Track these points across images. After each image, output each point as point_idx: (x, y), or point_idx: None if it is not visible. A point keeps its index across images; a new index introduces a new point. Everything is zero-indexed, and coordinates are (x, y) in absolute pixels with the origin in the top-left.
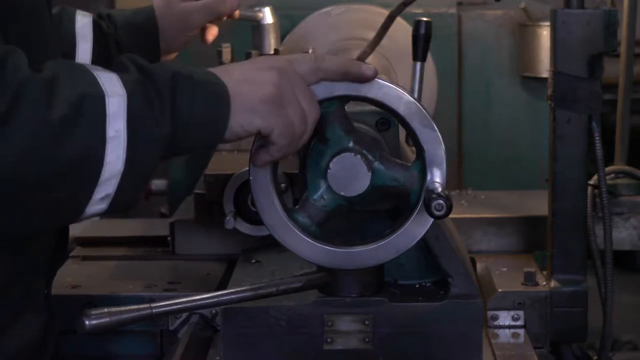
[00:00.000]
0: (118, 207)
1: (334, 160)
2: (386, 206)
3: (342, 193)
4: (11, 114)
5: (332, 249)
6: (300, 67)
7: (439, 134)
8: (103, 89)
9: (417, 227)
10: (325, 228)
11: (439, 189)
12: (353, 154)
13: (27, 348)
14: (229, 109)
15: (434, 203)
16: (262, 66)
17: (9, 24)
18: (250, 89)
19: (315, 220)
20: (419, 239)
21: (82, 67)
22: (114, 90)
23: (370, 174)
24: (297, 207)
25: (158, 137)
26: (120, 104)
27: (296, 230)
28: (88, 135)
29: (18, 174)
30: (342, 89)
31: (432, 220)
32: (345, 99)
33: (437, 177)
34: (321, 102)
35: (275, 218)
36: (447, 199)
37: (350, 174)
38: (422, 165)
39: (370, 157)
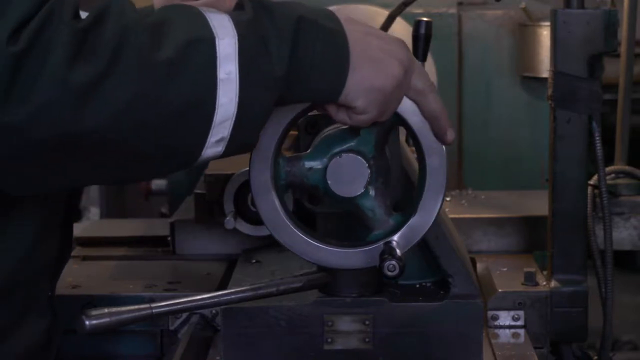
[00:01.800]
0: (234, 150)
1: (347, 154)
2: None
3: (330, 182)
4: (116, 60)
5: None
6: (415, 81)
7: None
8: (214, 31)
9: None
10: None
11: (397, 250)
12: (367, 164)
13: (31, 349)
14: (346, 74)
15: (387, 263)
16: (392, 52)
17: None
18: (371, 71)
19: (289, 178)
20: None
21: (193, 9)
22: (225, 32)
23: (362, 190)
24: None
25: (272, 77)
26: (230, 46)
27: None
28: (197, 78)
29: (129, 119)
30: None
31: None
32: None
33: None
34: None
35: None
36: (400, 260)
37: (348, 176)
38: (402, 221)
39: (374, 177)
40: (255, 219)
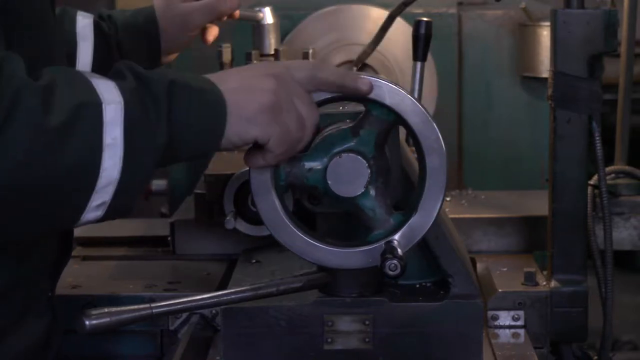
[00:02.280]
0: (114, 215)
1: (347, 154)
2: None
3: (330, 182)
4: (7, 122)
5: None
6: (298, 74)
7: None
8: (100, 96)
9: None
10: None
11: (398, 250)
12: (367, 164)
13: (30, 349)
14: (225, 117)
15: (389, 263)
16: (259, 73)
17: (16, 26)
18: (247, 98)
19: (289, 179)
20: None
21: (79, 74)
22: (111, 98)
23: (362, 190)
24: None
25: (154, 145)
26: (117, 112)
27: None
28: (85, 142)
29: (16, 181)
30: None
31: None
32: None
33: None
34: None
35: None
36: (402, 259)
37: (348, 176)
38: (402, 220)
39: (374, 177)
40: (255, 219)
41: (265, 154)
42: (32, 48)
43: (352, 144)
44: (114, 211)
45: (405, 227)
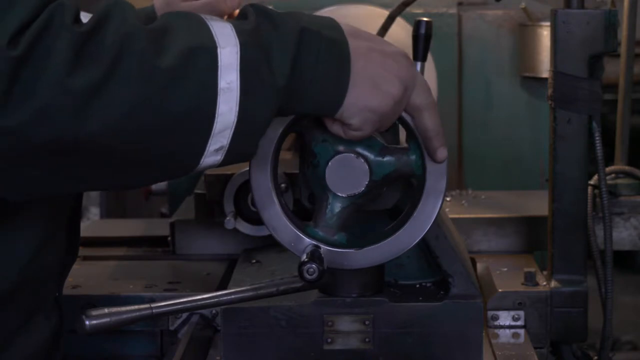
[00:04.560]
0: (233, 159)
1: (328, 167)
2: (392, 200)
3: (345, 194)
4: (117, 65)
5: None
6: (415, 94)
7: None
8: (215, 39)
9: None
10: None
11: (322, 256)
12: (342, 155)
13: (39, 350)
14: (346, 90)
15: (307, 267)
16: (394, 69)
17: None
18: (370, 90)
19: (334, 229)
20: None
21: (196, 17)
22: (227, 41)
23: (366, 166)
24: (311, 223)
25: (273, 88)
26: (232, 55)
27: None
28: (198, 86)
29: (129, 125)
30: None
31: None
32: None
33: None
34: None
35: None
36: (321, 264)
37: (347, 173)
38: (416, 143)
39: (359, 150)
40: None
41: (345, 130)
42: None
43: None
44: (234, 155)
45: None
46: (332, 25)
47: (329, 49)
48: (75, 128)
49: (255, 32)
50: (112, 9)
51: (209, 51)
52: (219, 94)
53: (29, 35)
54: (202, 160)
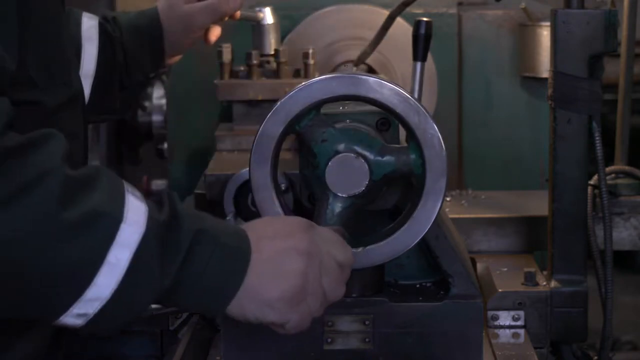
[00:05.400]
0: (95, 331)
1: (328, 167)
2: (392, 200)
3: (345, 194)
4: (22, 196)
5: None
6: (338, 257)
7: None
8: (124, 214)
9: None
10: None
11: None
12: (342, 155)
13: (40, 351)
14: (236, 291)
15: None
16: (294, 247)
17: (30, 25)
18: (272, 281)
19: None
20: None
21: (119, 184)
22: (135, 220)
23: (366, 166)
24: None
25: (158, 284)
26: (133, 236)
27: None
28: (87, 250)
29: (5, 252)
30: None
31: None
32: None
33: None
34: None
35: None
36: None
37: (347, 173)
38: (415, 142)
39: (358, 150)
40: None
41: (280, 329)
42: (46, 47)
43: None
44: (95, 327)
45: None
46: (235, 230)
47: (222, 256)
48: None
49: (162, 226)
50: (46, 139)
51: (113, 221)
52: (103, 264)
53: None
54: (62, 317)
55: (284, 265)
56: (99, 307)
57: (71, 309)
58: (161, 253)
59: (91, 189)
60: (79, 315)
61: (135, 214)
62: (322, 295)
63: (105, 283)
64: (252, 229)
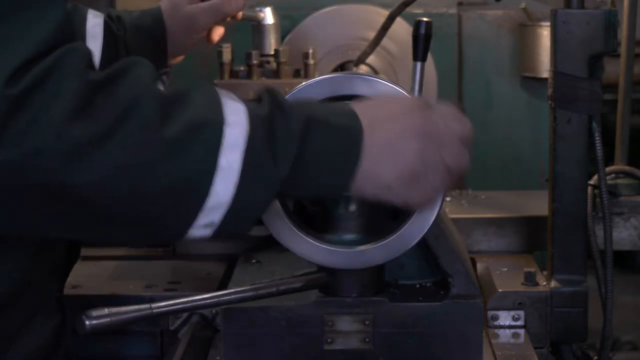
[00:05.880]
0: (223, 235)
1: None
2: None
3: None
4: (120, 125)
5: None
6: (454, 126)
7: None
8: (225, 117)
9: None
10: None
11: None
12: None
13: (41, 350)
14: (354, 173)
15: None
16: (409, 129)
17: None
18: (387, 163)
19: (355, 229)
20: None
21: (212, 91)
22: (237, 121)
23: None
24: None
25: (274, 177)
26: (239, 137)
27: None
28: (198, 161)
29: (118, 184)
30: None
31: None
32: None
33: None
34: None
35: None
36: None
37: None
38: (359, 242)
39: None
40: None
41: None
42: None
43: None
44: (223, 232)
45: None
46: (344, 111)
47: (335, 137)
48: (64, 177)
49: (266, 119)
50: (131, 66)
51: (216, 127)
52: (217, 171)
53: (33, 74)
54: (189, 232)
55: (399, 147)
56: (223, 214)
57: (196, 221)
58: (272, 147)
59: (186, 102)
60: (206, 226)
61: (235, 114)
62: (445, 171)
63: (223, 188)
64: (365, 110)
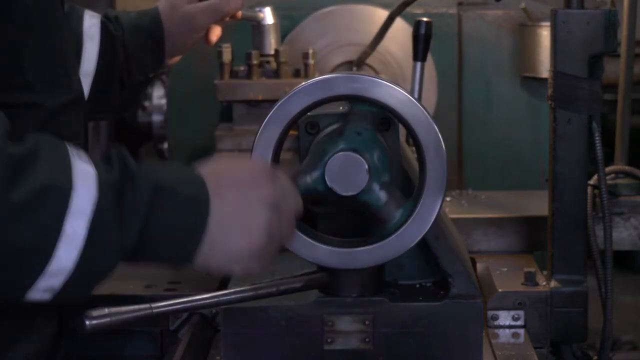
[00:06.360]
0: (63, 302)
1: (339, 154)
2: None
3: (332, 185)
4: None
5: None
6: (291, 199)
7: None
8: (73, 182)
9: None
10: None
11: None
12: (362, 159)
13: (40, 352)
14: (199, 246)
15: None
16: (256, 197)
17: (31, 25)
18: (236, 233)
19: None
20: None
21: (63, 151)
22: (85, 187)
23: (364, 185)
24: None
25: (120, 245)
26: (86, 203)
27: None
28: (42, 226)
29: None
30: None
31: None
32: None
33: None
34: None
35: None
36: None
37: (347, 175)
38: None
39: (375, 171)
40: None
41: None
42: (46, 52)
43: (341, 145)
44: (63, 298)
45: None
46: (192, 178)
47: (183, 206)
48: None
49: (114, 186)
50: None
51: (62, 193)
52: (61, 237)
53: None
54: (26, 295)
55: (248, 216)
56: (64, 279)
57: (36, 284)
58: (118, 214)
59: (34, 164)
60: (45, 290)
61: (84, 180)
62: (279, 243)
63: (66, 255)
64: (213, 176)
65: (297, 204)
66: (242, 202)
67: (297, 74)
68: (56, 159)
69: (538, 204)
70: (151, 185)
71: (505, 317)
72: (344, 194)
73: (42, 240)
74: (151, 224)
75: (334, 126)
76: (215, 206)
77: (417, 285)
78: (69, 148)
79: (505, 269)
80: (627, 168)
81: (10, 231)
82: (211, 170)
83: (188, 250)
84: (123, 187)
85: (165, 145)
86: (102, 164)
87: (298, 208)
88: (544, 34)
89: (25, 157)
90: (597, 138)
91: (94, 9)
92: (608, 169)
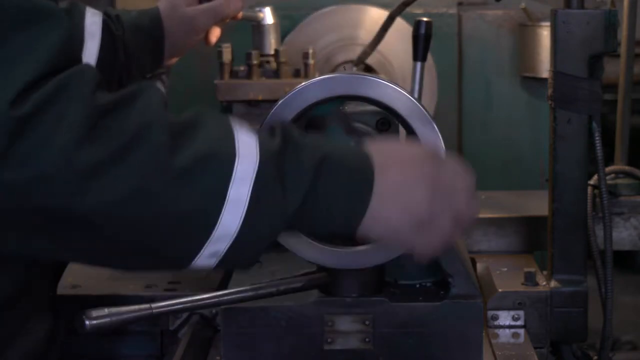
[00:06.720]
0: (228, 266)
1: None
2: None
3: None
4: (130, 152)
5: (333, 249)
6: (461, 178)
7: (439, 134)
8: (236, 150)
9: None
10: None
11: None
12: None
13: (35, 350)
14: (364, 214)
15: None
16: (419, 175)
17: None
18: (397, 207)
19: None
20: None
21: (225, 122)
22: (247, 154)
23: None
24: None
25: (282, 212)
26: (249, 170)
27: (297, 231)
28: (207, 192)
29: (125, 211)
30: (342, 88)
31: None
32: (346, 98)
33: None
34: (319, 103)
35: None
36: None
37: None
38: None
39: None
40: None
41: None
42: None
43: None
44: (228, 263)
45: None
46: (358, 154)
47: (347, 178)
48: (71, 201)
49: (277, 154)
50: (140, 91)
51: (226, 160)
52: (226, 202)
53: (39, 97)
54: (194, 261)
55: (409, 193)
56: (228, 245)
57: (202, 250)
58: (282, 182)
59: (198, 131)
60: (211, 256)
61: (246, 148)
62: (452, 221)
63: (230, 220)
64: (379, 153)
65: (471, 182)
66: (404, 178)
67: (297, 74)
68: (220, 127)
69: (538, 204)
70: (317, 155)
71: (505, 317)
72: None
73: (207, 205)
74: (316, 191)
75: (335, 126)
76: (378, 181)
77: (417, 285)
78: (232, 119)
79: (505, 269)
80: (627, 168)
81: (175, 196)
82: (377, 147)
83: (351, 219)
84: (287, 155)
85: None
86: (266, 134)
87: (472, 186)
88: (544, 34)
89: (188, 124)
90: (597, 138)
91: (94, 7)
92: (608, 169)
